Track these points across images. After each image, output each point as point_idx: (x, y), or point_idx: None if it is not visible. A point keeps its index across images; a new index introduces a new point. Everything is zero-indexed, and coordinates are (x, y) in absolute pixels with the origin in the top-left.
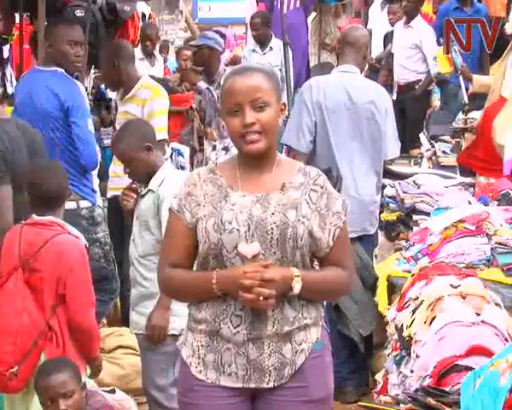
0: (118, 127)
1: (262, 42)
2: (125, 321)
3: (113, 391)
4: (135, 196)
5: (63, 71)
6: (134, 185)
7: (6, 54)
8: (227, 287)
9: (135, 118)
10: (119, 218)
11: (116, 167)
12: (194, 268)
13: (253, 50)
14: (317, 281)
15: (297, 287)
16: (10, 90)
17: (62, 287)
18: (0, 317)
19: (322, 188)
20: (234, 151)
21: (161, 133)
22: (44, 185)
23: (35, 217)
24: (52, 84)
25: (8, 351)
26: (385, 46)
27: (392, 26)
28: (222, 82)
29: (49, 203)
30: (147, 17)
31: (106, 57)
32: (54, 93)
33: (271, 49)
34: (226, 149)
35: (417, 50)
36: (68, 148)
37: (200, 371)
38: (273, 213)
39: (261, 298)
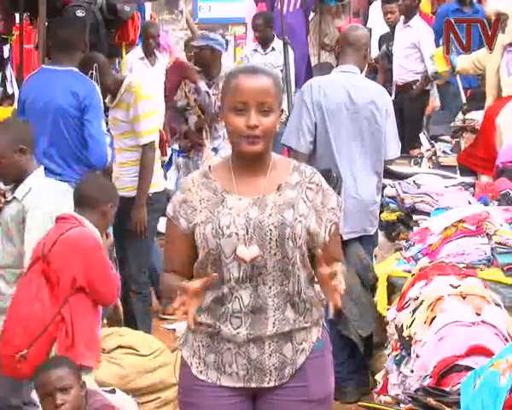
0: (111, 132)
1: (264, 42)
2: (125, 321)
3: (113, 391)
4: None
5: (78, 70)
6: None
7: (6, 54)
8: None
9: (16, 119)
10: (119, 218)
11: (116, 168)
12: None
13: (255, 50)
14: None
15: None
16: (10, 91)
17: (82, 278)
18: (14, 302)
19: (317, 185)
20: (222, 153)
21: (149, 136)
22: (79, 187)
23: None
24: (71, 83)
25: (18, 334)
26: (380, 47)
27: (390, 25)
28: (225, 78)
29: (81, 206)
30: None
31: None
32: (72, 91)
33: (273, 49)
34: (215, 150)
35: (416, 50)
36: (78, 147)
37: (201, 372)
38: (270, 215)
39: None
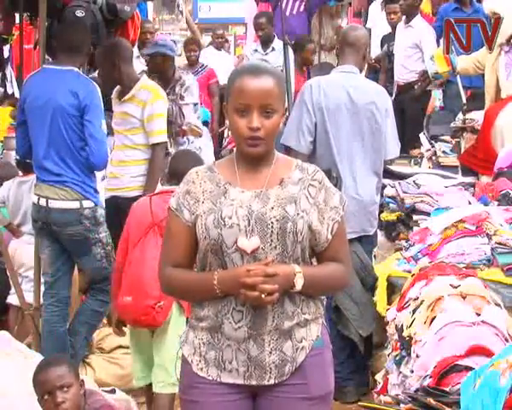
0: (114, 127)
1: (265, 42)
2: None
3: (113, 391)
4: None
5: (79, 70)
6: None
7: (6, 54)
8: (229, 287)
9: None
10: (117, 218)
11: (113, 168)
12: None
13: (255, 50)
14: (317, 277)
15: (299, 283)
16: (10, 91)
17: None
18: (147, 260)
19: (320, 183)
20: None
21: (161, 136)
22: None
23: (162, 188)
24: (71, 83)
25: (156, 287)
26: (382, 48)
27: (392, 25)
28: (230, 77)
29: (175, 179)
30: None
31: (106, 57)
32: (73, 91)
33: (273, 49)
34: None
35: (417, 50)
36: (76, 147)
37: (202, 369)
38: (273, 208)
39: (263, 295)
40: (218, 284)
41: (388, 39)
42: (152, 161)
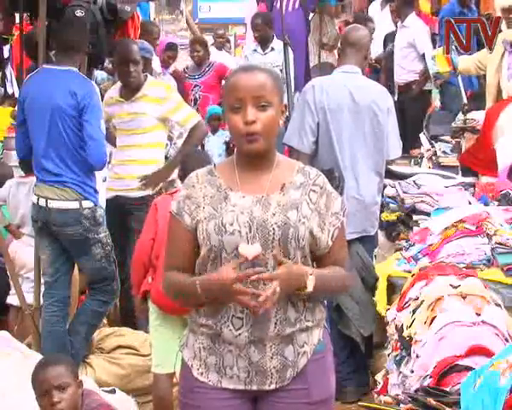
0: (119, 126)
1: (263, 42)
2: (125, 321)
3: (113, 391)
4: None
5: (77, 70)
6: None
7: (6, 54)
8: (215, 294)
9: None
10: (119, 218)
11: (116, 168)
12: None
13: (255, 50)
14: (326, 279)
15: (310, 284)
16: (10, 91)
17: None
18: None
19: (321, 188)
20: None
21: (194, 118)
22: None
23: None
24: (70, 83)
25: None
26: (385, 47)
27: (396, 25)
28: (226, 81)
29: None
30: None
31: (138, 57)
32: (71, 91)
33: (272, 49)
34: None
35: (412, 49)
36: (76, 147)
37: (202, 374)
38: (274, 214)
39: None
40: (203, 292)
41: (391, 38)
42: (192, 133)
